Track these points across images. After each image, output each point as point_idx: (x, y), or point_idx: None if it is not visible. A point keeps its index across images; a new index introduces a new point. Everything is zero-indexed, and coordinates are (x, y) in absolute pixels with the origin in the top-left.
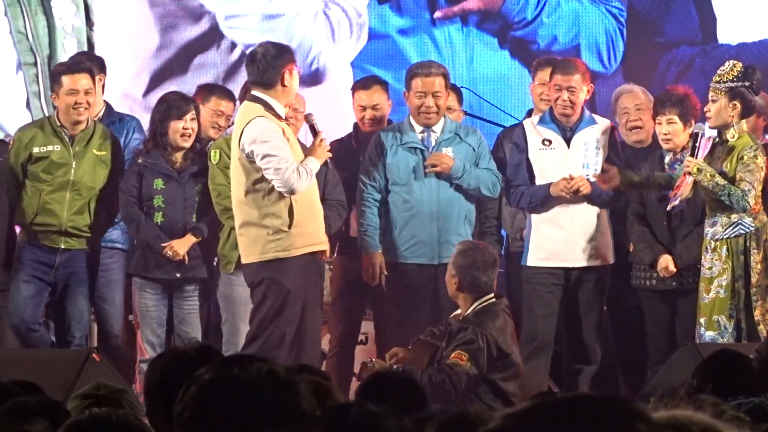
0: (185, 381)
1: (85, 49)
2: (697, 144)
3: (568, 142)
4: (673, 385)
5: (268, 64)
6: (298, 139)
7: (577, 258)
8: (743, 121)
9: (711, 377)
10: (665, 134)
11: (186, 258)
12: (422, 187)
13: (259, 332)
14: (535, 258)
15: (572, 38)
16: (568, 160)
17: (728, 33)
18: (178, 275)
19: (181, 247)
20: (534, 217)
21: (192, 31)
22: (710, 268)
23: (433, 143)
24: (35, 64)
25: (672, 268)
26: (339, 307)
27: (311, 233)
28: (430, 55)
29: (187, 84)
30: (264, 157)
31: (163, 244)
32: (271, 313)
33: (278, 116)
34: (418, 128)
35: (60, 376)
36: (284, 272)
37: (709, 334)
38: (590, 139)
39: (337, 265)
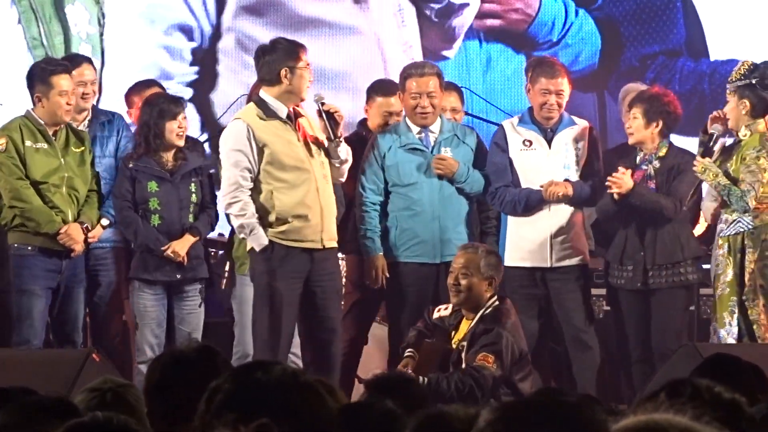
0: (185, 382)
1: (99, 57)
2: (711, 145)
3: (549, 142)
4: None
5: (266, 61)
6: (316, 138)
7: (553, 257)
8: (761, 120)
9: None
10: (627, 128)
11: (185, 259)
12: (423, 186)
13: None
14: (512, 258)
15: (591, 56)
16: (549, 160)
17: (722, 49)
18: (179, 276)
19: (181, 248)
20: (510, 216)
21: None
22: (717, 266)
23: (432, 143)
24: None
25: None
26: (352, 306)
27: None
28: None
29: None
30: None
31: (163, 248)
32: None
33: (276, 116)
34: (415, 129)
35: (60, 376)
36: None
37: (721, 332)
38: (570, 139)
39: (353, 262)
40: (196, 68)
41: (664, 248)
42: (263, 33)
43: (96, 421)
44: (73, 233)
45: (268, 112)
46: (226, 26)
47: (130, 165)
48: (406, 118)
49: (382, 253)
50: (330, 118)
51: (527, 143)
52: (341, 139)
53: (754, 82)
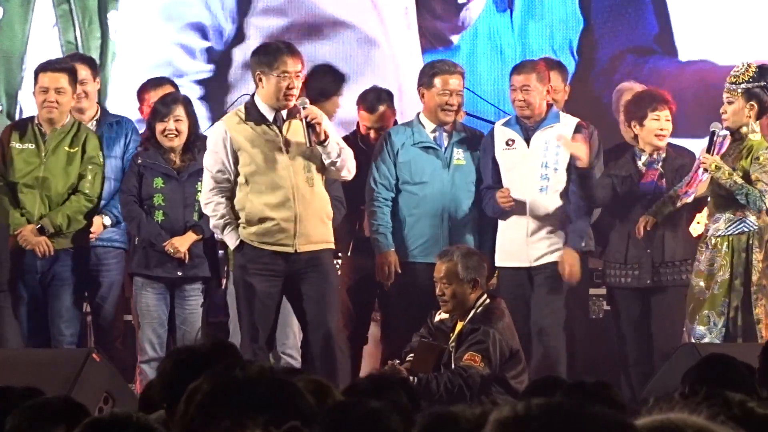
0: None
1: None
2: (715, 140)
3: (528, 141)
4: (669, 390)
5: (249, 64)
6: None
7: (532, 257)
8: (758, 121)
9: (702, 382)
10: (662, 130)
11: (186, 256)
12: (433, 186)
13: None
14: (500, 258)
15: None
16: (527, 159)
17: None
18: (180, 273)
19: (182, 243)
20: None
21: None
22: (712, 265)
23: (446, 142)
24: None
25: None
26: (348, 308)
27: None
28: None
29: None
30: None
31: (164, 243)
32: None
33: (260, 119)
34: (430, 126)
35: (60, 376)
36: None
37: (699, 329)
38: (550, 137)
39: (348, 264)
40: (210, 67)
41: (672, 246)
42: (286, 34)
43: (115, 418)
44: (26, 235)
45: (250, 115)
46: (251, 26)
47: (139, 161)
48: (421, 115)
49: (393, 249)
50: (308, 125)
51: (510, 142)
52: (326, 143)
53: (763, 85)
